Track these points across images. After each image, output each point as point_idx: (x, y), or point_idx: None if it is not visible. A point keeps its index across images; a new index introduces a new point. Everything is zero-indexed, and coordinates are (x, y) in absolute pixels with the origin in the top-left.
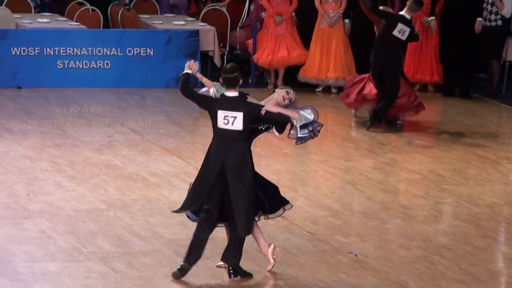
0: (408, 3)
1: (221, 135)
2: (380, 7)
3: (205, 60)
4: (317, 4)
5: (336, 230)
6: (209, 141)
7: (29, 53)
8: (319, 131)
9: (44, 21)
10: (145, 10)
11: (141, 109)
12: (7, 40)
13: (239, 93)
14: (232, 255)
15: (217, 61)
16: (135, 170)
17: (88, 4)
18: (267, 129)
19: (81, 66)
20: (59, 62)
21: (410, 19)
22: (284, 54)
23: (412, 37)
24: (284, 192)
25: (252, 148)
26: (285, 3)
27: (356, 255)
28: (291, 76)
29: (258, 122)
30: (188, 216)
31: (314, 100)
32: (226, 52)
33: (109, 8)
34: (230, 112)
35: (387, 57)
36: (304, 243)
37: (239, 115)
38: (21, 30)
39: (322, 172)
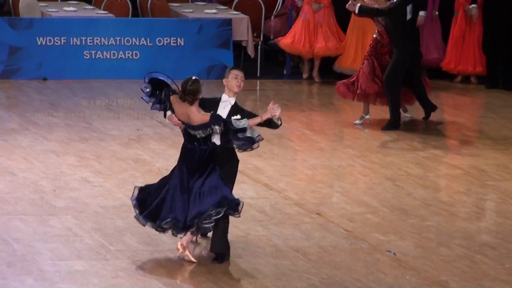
0: None
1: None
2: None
3: (238, 51)
4: None
5: (373, 227)
6: None
7: (55, 43)
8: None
9: (70, 9)
10: None
11: None
12: (33, 30)
13: None
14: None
15: (250, 51)
16: (165, 165)
17: None
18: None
19: (108, 57)
20: (86, 53)
21: None
22: (322, 44)
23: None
24: (320, 188)
25: (287, 142)
26: None
27: (394, 254)
28: (326, 67)
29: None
30: None
31: None
32: (260, 42)
33: None
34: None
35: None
36: (340, 241)
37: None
38: (47, 19)
39: (360, 167)
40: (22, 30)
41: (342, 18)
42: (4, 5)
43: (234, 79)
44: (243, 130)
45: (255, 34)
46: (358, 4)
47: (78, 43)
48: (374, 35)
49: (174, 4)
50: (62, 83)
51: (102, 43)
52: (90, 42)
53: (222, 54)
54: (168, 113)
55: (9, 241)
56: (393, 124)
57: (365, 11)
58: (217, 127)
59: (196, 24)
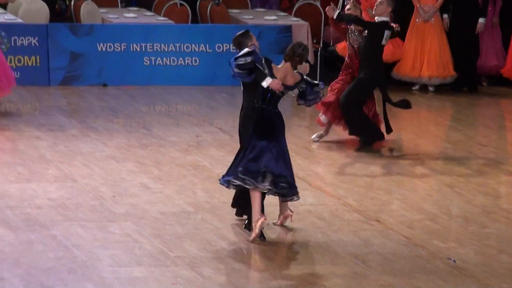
0: (381, 4)
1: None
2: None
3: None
4: None
5: (433, 234)
6: (302, 141)
7: (115, 49)
8: (259, 63)
9: (130, 16)
10: (235, 4)
11: (230, 107)
12: (93, 36)
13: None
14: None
15: (310, 58)
16: (224, 171)
17: None
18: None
19: (168, 63)
20: (146, 59)
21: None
22: None
23: (394, 36)
24: (379, 195)
25: (346, 149)
26: None
27: (454, 261)
28: (386, 73)
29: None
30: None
31: (409, 99)
32: (319, 49)
33: (197, 2)
34: None
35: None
36: (400, 248)
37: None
38: (107, 25)
39: (419, 173)
40: (83, 36)
41: (400, 24)
42: (66, 11)
43: None
44: (317, 84)
45: (314, 41)
46: (338, 11)
47: (138, 49)
48: (345, 58)
49: (234, 11)
50: (122, 89)
51: (162, 49)
52: (150, 48)
53: (282, 60)
54: (271, 80)
55: (69, 247)
56: (366, 141)
57: (344, 18)
58: (304, 83)
59: (256, 30)
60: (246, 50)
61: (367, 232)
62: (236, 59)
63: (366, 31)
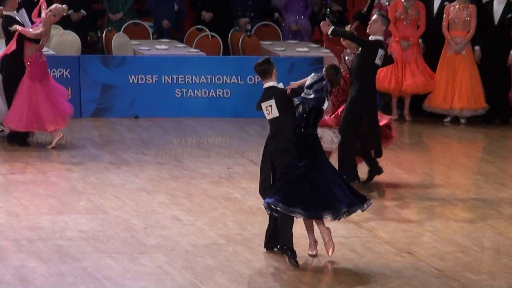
0: (375, 22)
1: (269, 125)
2: (347, 29)
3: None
4: (444, 29)
5: (465, 266)
6: None
7: (147, 81)
8: (327, 90)
9: (162, 47)
10: (267, 36)
11: (262, 139)
12: (125, 68)
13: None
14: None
15: None
16: (256, 204)
17: (207, 30)
18: (316, 111)
19: (199, 95)
20: (177, 91)
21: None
22: (410, 81)
23: (387, 60)
24: (410, 227)
25: (377, 180)
26: (412, 27)
27: None
28: (417, 105)
29: (301, 104)
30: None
31: (441, 131)
32: None
33: (229, 34)
34: (266, 102)
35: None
36: (431, 281)
37: (272, 103)
38: (139, 57)
39: (450, 206)
40: (115, 68)
41: (431, 56)
42: (98, 43)
43: None
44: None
45: None
46: (332, 27)
47: (170, 81)
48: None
49: (266, 42)
50: (153, 121)
51: (193, 81)
52: (181, 80)
53: None
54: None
55: (100, 280)
56: (369, 176)
57: (339, 34)
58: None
59: (288, 62)
60: (316, 77)
61: (399, 264)
62: (311, 86)
63: (359, 49)
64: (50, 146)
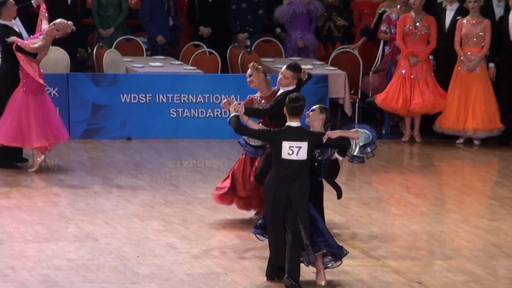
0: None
1: (285, 166)
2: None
3: (335, 109)
4: (456, 46)
5: None
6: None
7: (140, 101)
8: (373, 153)
9: (156, 65)
10: (268, 52)
11: None
12: (117, 86)
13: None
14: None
15: (347, 109)
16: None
17: (205, 46)
18: (327, 159)
19: (196, 115)
20: (173, 111)
21: None
22: (418, 100)
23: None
24: (421, 255)
25: (386, 206)
26: (422, 43)
27: None
28: (428, 126)
29: (318, 149)
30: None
31: (453, 153)
32: (357, 100)
33: (228, 51)
34: (295, 142)
35: None
36: None
37: (304, 145)
38: (132, 75)
39: (463, 232)
40: (106, 86)
41: (444, 74)
42: (88, 60)
43: None
44: None
45: (352, 91)
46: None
47: (165, 101)
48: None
49: (267, 59)
50: (147, 142)
51: (190, 101)
52: (177, 100)
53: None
54: None
55: None
56: None
57: (250, 114)
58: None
59: None
60: (366, 135)
61: None
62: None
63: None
64: (31, 170)
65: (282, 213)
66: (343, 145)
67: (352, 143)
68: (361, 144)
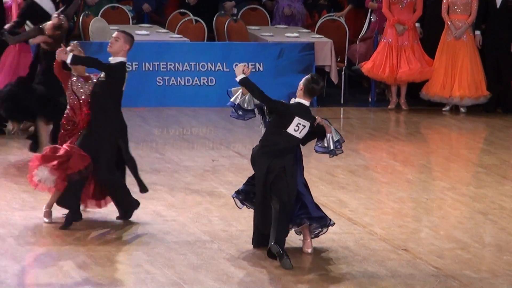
0: (116, 40)
1: (286, 140)
2: None
3: (321, 77)
4: (443, 13)
5: (465, 264)
6: (325, 166)
7: (126, 69)
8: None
9: (142, 33)
10: (254, 20)
11: (248, 130)
12: (103, 54)
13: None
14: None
15: (334, 77)
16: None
17: (191, 14)
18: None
19: (182, 83)
20: (159, 79)
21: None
22: (405, 68)
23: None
24: (407, 222)
25: (372, 173)
26: (408, 11)
27: None
28: (414, 93)
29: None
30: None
31: (439, 120)
32: (344, 68)
33: (214, 19)
34: (303, 120)
35: None
36: (429, 279)
37: (307, 125)
38: None
39: (449, 200)
40: (92, 55)
41: (431, 41)
42: (74, 29)
43: None
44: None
45: (338, 59)
46: (71, 53)
47: (151, 69)
48: (66, 111)
49: (253, 27)
50: (133, 110)
51: (176, 69)
52: (163, 68)
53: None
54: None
55: (77, 279)
56: (125, 215)
57: (79, 61)
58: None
59: (276, 48)
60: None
61: (394, 262)
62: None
63: (102, 75)
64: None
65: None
66: (321, 134)
67: (327, 136)
68: (335, 139)
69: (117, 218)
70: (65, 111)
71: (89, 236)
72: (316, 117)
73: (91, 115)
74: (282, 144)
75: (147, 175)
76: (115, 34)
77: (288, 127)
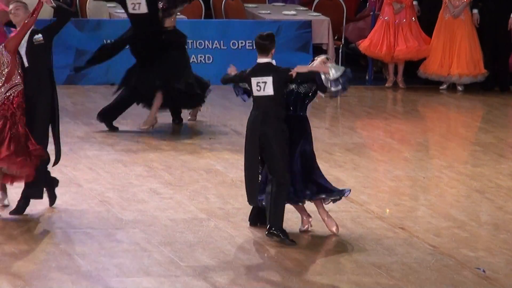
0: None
1: (257, 102)
2: None
3: (318, 54)
4: None
5: (461, 243)
6: (323, 144)
7: None
8: (348, 84)
9: None
10: None
11: (246, 108)
12: (100, 32)
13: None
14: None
15: (331, 55)
16: (238, 176)
17: None
18: (313, 94)
19: None
20: None
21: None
22: (402, 47)
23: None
24: (404, 201)
25: (369, 152)
26: None
27: (484, 271)
28: (412, 72)
29: (295, 84)
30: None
31: (437, 99)
32: (341, 46)
33: None
34: (260, 78)
35: None
36: (426, 257)
37: (269, 80)
38: (115, 20)
39: (446, 178)
40: (89, 32)
41: (428, 20)
42: (71, 6)
43: None
44: None
45: (336, 37)
46: None
47: None
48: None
49: (250, 5)
50: None
51: None
52: None
53: (301, 57)
54: None
55: (74, 256)
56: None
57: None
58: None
59: (274, 26)
60: (337, 69)
61: (391, 240)
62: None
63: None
64: None
65: (258, 152)
66: (314, 79)
67: (323, 77)
68: (331, 78)
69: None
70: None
71: (85, 214)
72: (296, 66)
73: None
74: (257, 109)
75: (144, 153)
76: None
77: (253, 91)
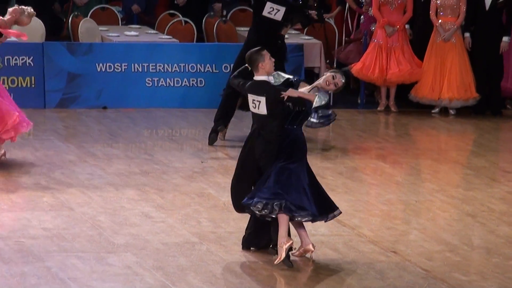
0: None
1: (253, 118)
2: None
3: (310, 78)
4: (432, 15)
5: (454, 267)
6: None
7: (116, 70)
8: (330, 119)
9: (132, 34)
10: (244, 22)
11: (238, 132)
12: (92, 55)
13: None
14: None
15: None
16: (231, 200)
17: (180, 16)
18: (306, 113)
19: (172, 84)
20: (148, 80)
21: None
22: (394, 70)
23: None
24: (396, 224)
25: (361, 175)
26: (398, 13)
27: None
28: (404, 95)
29: (290, 103)
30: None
31: (428, 122)
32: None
33: (203, 20)
34: (255, 96)
35: None
36: (418, 281)
37: (262, 100)
38: (107, 44)
39: (439, 202)
40: (81, 55)
41: (420, 43)
42: (63, 30)
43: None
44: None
45: (328, 61)
46: None
47: (140, 70)
48: None
49: (242, 29)
50: (122, 111)
51: (165, 70)
52: (152, 69)
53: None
54: None
55: (65, 280)
56: None
57: None
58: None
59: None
60: (322, 97)
61: (383, 264)
62: (317, 110)
63: None
64: None
65: (251, 164)
66: (305, 104)
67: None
68: (313, 106)
69: None
70: None
71: (77, 238)
72: (287, 89)
73: None
74: (254, 124)
75: (136, 176)
76: None
77: (250, 107)
